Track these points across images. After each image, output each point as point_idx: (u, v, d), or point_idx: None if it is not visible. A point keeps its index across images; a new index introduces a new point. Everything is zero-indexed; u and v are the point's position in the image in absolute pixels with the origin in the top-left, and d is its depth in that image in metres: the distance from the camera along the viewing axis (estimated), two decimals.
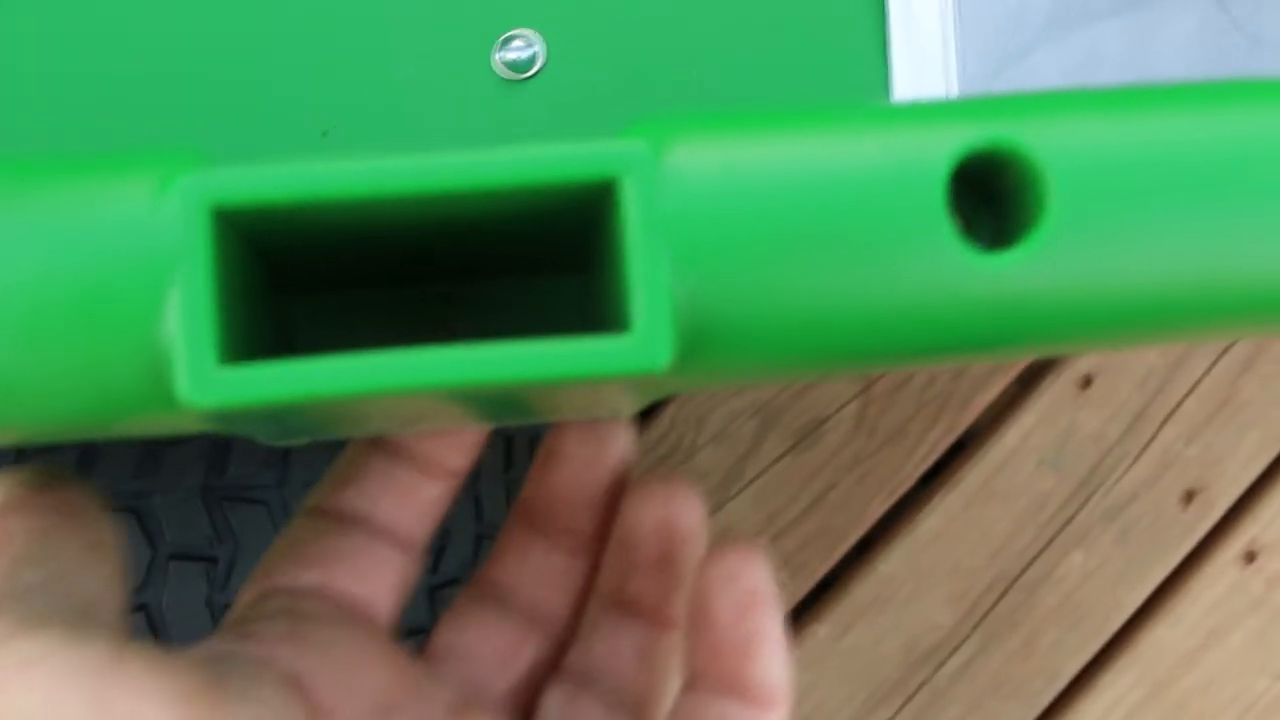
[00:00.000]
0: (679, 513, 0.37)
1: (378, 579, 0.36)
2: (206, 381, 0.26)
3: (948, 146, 0.26)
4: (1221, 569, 1.06)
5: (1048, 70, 0.60)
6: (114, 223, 0.27)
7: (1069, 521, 1.06)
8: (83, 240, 0.27)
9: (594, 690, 0.38)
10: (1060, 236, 0.26)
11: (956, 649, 1.05)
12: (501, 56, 0.58)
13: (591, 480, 0.39)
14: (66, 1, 0.55)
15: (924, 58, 0.58)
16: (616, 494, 0.39)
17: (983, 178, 0.27)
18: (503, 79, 0.58)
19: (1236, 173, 0.27)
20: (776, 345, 0.26)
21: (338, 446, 0.40)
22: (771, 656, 0.34)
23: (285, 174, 0.26)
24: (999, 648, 1.05)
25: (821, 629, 1.07)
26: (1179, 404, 1.07)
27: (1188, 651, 1.05)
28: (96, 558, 0.31)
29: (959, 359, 0.27)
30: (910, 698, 1.06)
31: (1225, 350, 1.07)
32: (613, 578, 0.38)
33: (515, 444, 0.75)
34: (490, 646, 0.38)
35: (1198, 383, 1.07)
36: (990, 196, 0.28)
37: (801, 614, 1.11)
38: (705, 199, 0.26)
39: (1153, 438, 1.07)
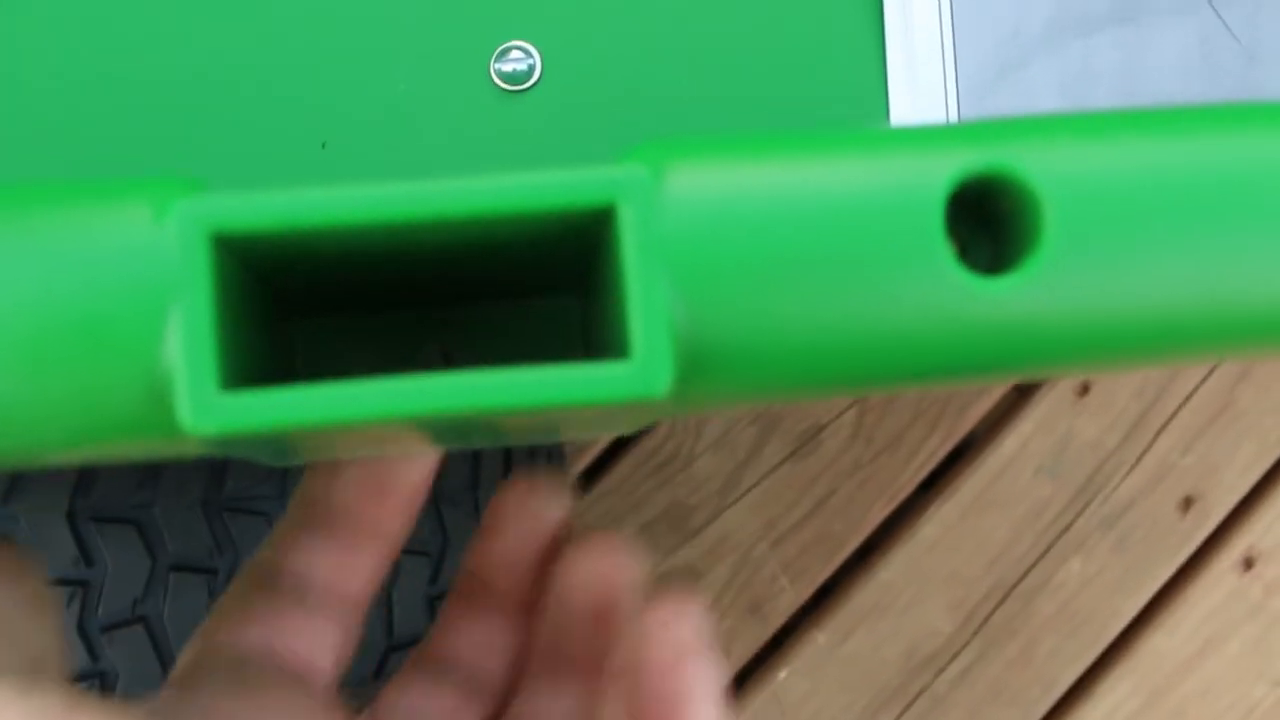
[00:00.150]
0: (615, 569, 0.37)
1: (319, 639, 0.36)
2: (208, 408, 0.26)
3: (945, 171, 0.26)
4: (1219, 576, 1.06)
5: (1044, 82, 0.60)
6: (114, 249, 0.27)
7: (1067, 529, 1.06)
8: (83, 266, 0.27)
9: None
10: (1057, 261, 0.26)
11: (955, 656, 1.05)
12: (499, 68, 0.58)
13: (530, 546, 0.39)
14: (70, 12, 0.55)
15: (921, 69, 0.58)
16: (555, 555, 0.39)
17: (980, 201, 0.27)
18: (500, 90, 0.58)
19: (1231, 197, 0.27)
20: (776, 369, 0.26)
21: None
22: (703, 711, 0.33)
23: (284, 201, 0.26)
24: (998, 655, 1.05)
25: (821, 636, 1.07)
26: (1176, 412, 1.07)
27: (1186, 659, 1.05)
28: (39, 614, 0.31)
29: (956, 382, 0.28)
30: (910, 704, 1.06)
31: None
32: (551, 637, 0.38)
33: (514, 458, 0.75)
34: (433, 710, 0.38)
35: (1194, 391, 1.07)
36: (988, 219, 0.28)
37: (801, 621, 1.11)
38: (704, 224, 0.26)
39: (1150, 445, 1.07)
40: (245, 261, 0.29)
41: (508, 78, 0.59)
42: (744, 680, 1.07)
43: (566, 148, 0.58)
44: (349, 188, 0.27)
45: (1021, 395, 1.07)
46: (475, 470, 0.74)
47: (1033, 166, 0.26)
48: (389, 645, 0.72)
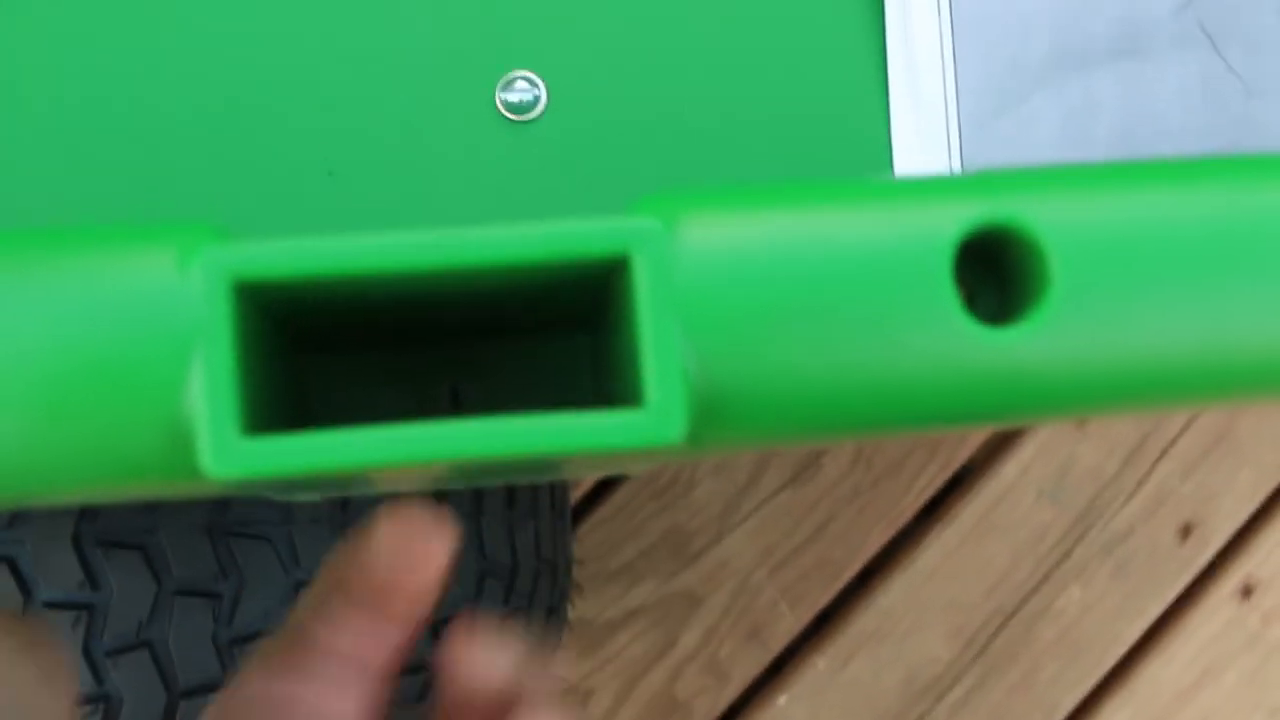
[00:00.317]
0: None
1: (344, 700, 0.37)
2: (229, 453, 0.26)
3: (953, 223, 0.26)
4: (1218, 604, 1.07)
5: (1045, 115, 0.60)
6: (137, 295, 0.27)
7: (1067, 555, 1.06)
8: (108, 311, 0.27)
9: None
10: (1063, 311, 0.27)
11: (956, 682, 1.06)
12: (504, 98, 0.58)
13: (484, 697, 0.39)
14: (77, 41, 0.56)
15: (923, 101, 0.59)
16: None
17: (987, 250, 0.28)
18: (505, 119, 0.59)
19: (1232, 248, 0.28)
20: (787, 416, 0.27)
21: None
22: None
23: (305, 249, 0.27)
24: (998, 681, 1.05)
25: (821, 661, 1.07)
26: (1175, 439, 1.07)
27: (1184, 687, 1.05)
28: (52, 685, 0.32)
29: (963, 427, 0.28)
30: None
31: None
32: None
33: (517, 485, 0.76)
34: None
35: (1194, 419, 1.07)
36: (994, 268, 0.29)
37: (801, 646, 1.11)
38: (716, 274, 0.27)
39: (1149, 472, 1.07)
40: (264, 305, 0.29)
41: (513, 108, 0.59)
42: (744, 706, 1.07)
43: (571, 178, 0.59)
44: (368, 236, 0.27)
45: None
46: (478, 499, 0.75)
47: (1039, 219, 0.27)
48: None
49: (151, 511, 0.69)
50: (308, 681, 0.37)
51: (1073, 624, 1.07)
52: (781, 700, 1.07)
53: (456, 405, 0.37)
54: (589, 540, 1.07)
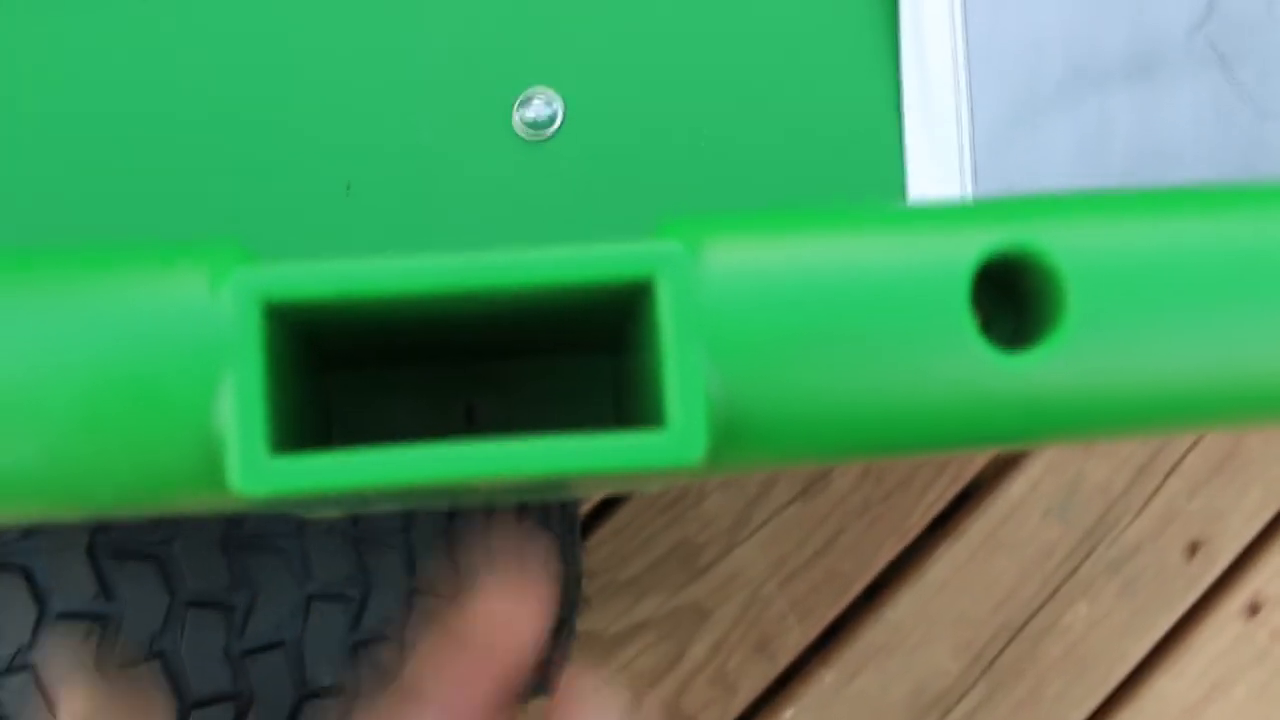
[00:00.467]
0: None
1: None
2: (259, 471, 0.27)
3: (971, 250, 0.27)
4: (1225, 621, 1.07)
5: (1059, 137, 0.61)
6: (168, 314, 0.28)
7: (1074, 572, 1.06)
8: (138, 330, 0.28)
9: None
10: (1079, 337, 0.27)
11: (963, 697, 1.06)
12: (522, 115, 0.59)
13: None
14: (94, 54, 0.56)
15: (937, 123, 0.59)
16: None
17: (1003, 276, 0.28)
18: (523, 137, 0.59)
19: (1248, 275, 0.28)
20: (805, 438, 0.27)
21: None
22: None
23: (335, 271, 0.27)
24: (1005, 697, 1.05)
25: (829, 675, 1.08)
26: (1183, 457, 1.08)
27: (1191, 704, 1.06)
28: None
29: (978, 450, 0.28)
30: None
31: None
32: None
33: (526, 506, 0.76)
34: None
35: (1202, 437, 1.08)
36: (1010, 294, 0.29)
37: (809, 659, 1.11)
38: (738, 298, 0.27)
39: (1157, 490, 1.07)
40: (292, 324, 0.30)
41: (530, 124, 0.59)
42: (751, 718, 1.07)
43: (588, 195, 0.59)
44: (397, 259, 0.28)
45: None
46: (490, 512, 0.75)
47: (1056, 246, 0.27)
48: None
49: (166, 523, 0.69)
50: None
51: (1079, 640, 1.07)
52: (789, 713, 1.08)
53: (472, 423, 0.38)
54: (598, 553, 1.08)
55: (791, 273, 0.27)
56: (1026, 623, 1.07)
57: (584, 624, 0.92)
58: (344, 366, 0.37)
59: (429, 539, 0.74)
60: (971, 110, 0.61)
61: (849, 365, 0.27)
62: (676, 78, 0.59)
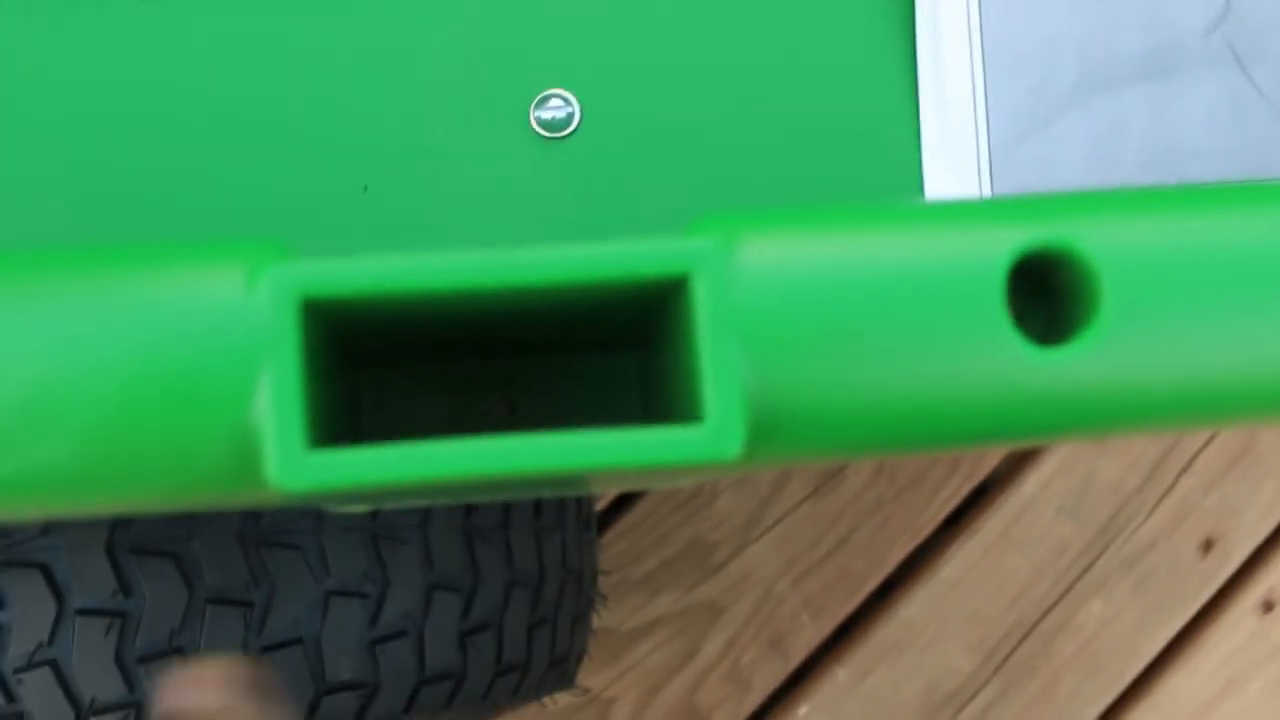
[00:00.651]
0: None
1: None
2: (296, 466, 0.27)
3: (1007, 246, 0.27)
4: (1239, 618, 1.07)
5: (1074, 137, 0.61)
6: (205, 311, 0.28)
7: (1087, 569, 1.06)
8: (174, 327, 0.28)
9: None
10: (1113, 332, 0.27)
11: (975, 695, 1.06)
12: (538, 115, 0.59)
13: None
14: (115, 56, 0.57)
15: (953, 123, 0.59)
16: None
17: (1036, 272, 0.28)
18: (540, 137, 0.59)
19: None
20: (841, 432, 0.27)
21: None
22: None
23: (372, 267, 0.27)
24: (1018, 694, 1.06)
25: (842, 672, 1.08)
26: (1197, 454, 1.08)
27: (1205, 701, 1.06)
28: None
29: (1011, 444, 0.29)
30: None
31: None
32: None
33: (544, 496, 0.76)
34: None
35: (1215, 434, 1.08)
36: (1043, 290, 0.29)
37: (822, 657, 1.12)
38: (772, 294, 0.27)
39: (1171, 487, 1.07)
40: (326, 321, 0.30)
41: (547, 125, 0.59)
42: (764, 715, 1.07)
43: (605, 195, 0.59)
44: (433, 255, 0.28)
45: None
46: (506, 509, 0.75)
47: (1091, 242, 0.27)
48: (420, 679, 0.73)
49: (185, 520, 0.70)
50: None
51: (1093, 638, 1.07)
52: (802, 710, 1.08)
53: (498, 419, 0.38)
54: (612, 550, 1.08)
55: (826, 268, 0.27)
56: (1040, 620, 1.07)
57: (599, 620, 0.92)
58: (372, 364, 0.37)
59: (446, 535, 0.75)
60: (987, 109, 0.61)
61: (884, 360, 0.27)
62: (692, 78, 0.60)
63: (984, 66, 0.61)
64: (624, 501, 1.08)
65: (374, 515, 0.70)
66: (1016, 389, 0.27)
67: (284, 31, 0.58)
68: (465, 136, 0.60)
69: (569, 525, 0.81)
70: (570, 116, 0.60)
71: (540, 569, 0.78)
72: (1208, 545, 1.08)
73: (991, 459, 1.09)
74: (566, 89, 0.60)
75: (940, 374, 0.27)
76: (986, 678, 1.07)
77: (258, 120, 0.58)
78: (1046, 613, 1.07)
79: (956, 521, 1.09)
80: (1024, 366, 0.27)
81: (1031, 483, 1.08)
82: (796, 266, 0.27)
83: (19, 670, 0.68)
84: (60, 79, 0.57)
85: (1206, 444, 1.09)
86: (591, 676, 1.04)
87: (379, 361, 0.37)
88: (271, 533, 0.71)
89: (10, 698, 0.69)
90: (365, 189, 0.59)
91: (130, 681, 0.69)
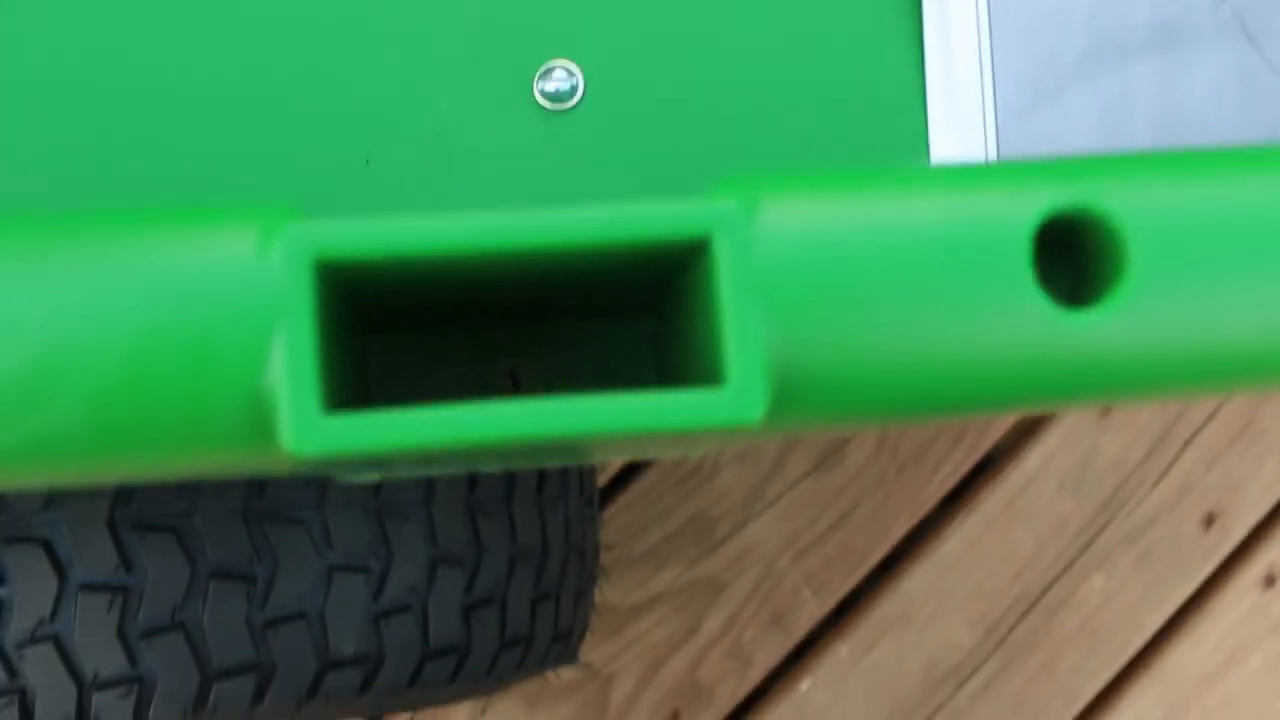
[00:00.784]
0: None
1: None
2: (310, 430, 0.26)
3: (1033, 207, 0.27)
4: (1241, 592, 1.07)
5: (1082, 108, 0.60)
6: (219, 272, 0.28)
7: (1089, 544, 1.06)
8: (189, 288, 0.27)
9: None
10: (1140, 295, 0.27)
11: (977, 669, 1.06)
12: (542, 87, 0.58)
13: None
14: (118, 27, 0.56)
15: (960, 92, 0.59)
16: None
17: (1061, 236, 0.28)
18: (543, 109, 0.59)
19: None
20: (865, 397, 0.27)
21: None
22: None
23: (387, 229, 0.27)
24: (1019, 669, 1.05)
25: (844, 647, 1.08)
26: (1199, 429, 1.08)
27: (1207, 674, 1.06)
28: None
29: (1038, 409, 0.28)
30: (930, 717, 1.06)
31: None
32: None
33: (547, 470, 0.76)
34: None
35: (1218, 408, 1.07)
36: (1068, 253, 0.29)
37: (824, 632, 1.11)
38: (796, 255, 0.27)
39: (1173, 462, 1.07)
40: (338, 284, 0.29)
41: (551, 96, 0.59)
42: (766, 691, 1.07)
43: (609, 166, 0.59)
44: (449, 217, 0.27)
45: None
46: (510, 483, 0.75)
47: (1119, 204, 0.27)
48: (424, 654, 0.72)
49: (187, 494, 0.69)
50: None
51: (1095, 612, 1.07)
52: (804, 685, 1.08)
53: (514, 386, 0.37)
54: (613, 525, 1.08)
55: (849, 229, 0.27)
56: (1042, 595, 1.07)
57: (601, 596, 0.92)
58: (380, 333, 0.37)
59: (449, 510, 0.74)
60: (994, 81, 0.61)
61: (908, 322, 0.27)
62: (695, 47, 0.59)
63: (991, 37, 0.61)
64: (626, 476, 1.08)
65: (377, 490, 0.70)
66: (1042, 352, 0.27)
67: (282, 5, 0.58)
68: (467, 109, 0.60)
69: (571, 499, 0.81)
70: (574, 88, 0.60)
71: (543, 543, 0.78)
72: (1210, 520, 1.08)
73: (993, 435, 1.09)
74: (570, 60, 0.60)
75: (966, 336, 0.27)
76: (988, 653, 1.07)
77: (257, 92, 0.58)
78: (1048, 588, 1.07)
79: (958, 497, 1.09)
80: (1050, 329, 0.27)
81: (1034, 458, 1.08)
82: (819, 228, 0.27)
83: (21, 645, 0.67)
84: (60, 53, 0.56)
85: (1209, 419, 1.09)
86: (593, 651, 1.03)
87: (387, 331, 0.37)
88: (274, 507, 0.71)
89: (12, 673, 0.68)
90: (367, 162, 0.59)
91: (133, 657, 0.69)
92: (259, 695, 0.70)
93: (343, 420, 0.27)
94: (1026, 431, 1.09)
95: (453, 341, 0.37)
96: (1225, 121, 0.61)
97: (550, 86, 0.60)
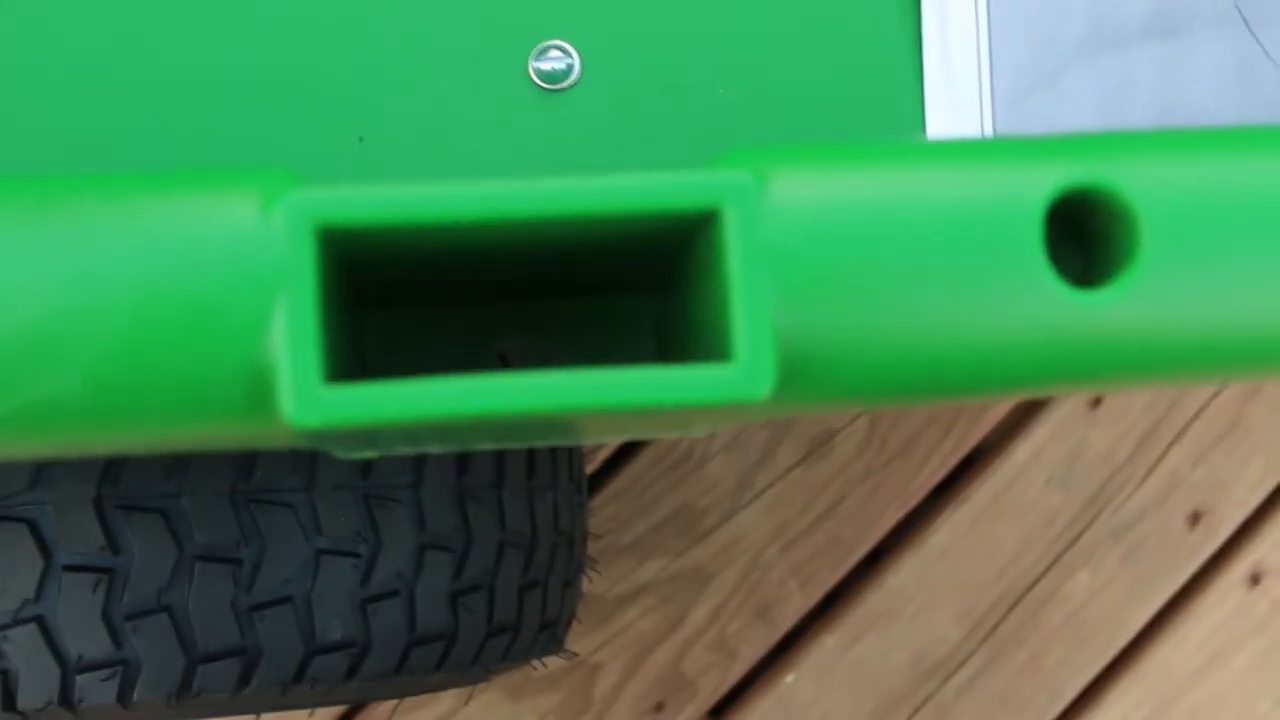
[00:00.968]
0: None
1: None
2: (311, 400, 0.26)
3: (1045, 185, 0.26)
4: (1226, 591, 1.07)
5: (1080, 93, 0.60)
6: (219, 238, 0.27)
7: (1076, 539, 1.06)
8: (189, 255, 0.27)
9: None
10: (1152, 275, 0.27)
11: (963, 663, 1.06)
12: (538, 66, 0.58)
13: None
14: (117, 3, 0.56)
15: (957, 76, 0.59)
16: None
17: (1073, 215, 0.28)
18: (539, 88, 0.58)
19: None
20: (873, 375, 0.27)
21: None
22: None
23: (390, 196, 0.27)
24: (1005, 663, 1.05)
25: (830, 640, 1.07)
26: (1187, 426, 1.08)
27: (1191, 672, 1.06)
28: None
29: (1047, 391, 0.28)
30: (917, 710, 1.06)
31: None
32: None
33: (537, 456, 0.76)
34: None
35: (1205, 406, 1.07)
36: (1076, 230, 0.29)
37: (810, 625, 1.11)
38: (806, 230, 0.27)
39: (1160, 458, 1.07)
40: (339, 254, 0.29)
41: (546, 76, 0.59)
42: (751, 683, 1.07)
43: (604, 146, 0.59)
44: (453, 185, 0.27)
45: (1034, 404, 1.08)
46: (499, 469, 0.74)
47: (1131, 183, 0.27)
48: (411, 640, 0.72)
49: (174, 475, 0.69)
50: None
51: (1081, 608, 1.07)
52: (789, 678, 1.08)
53: (511, 363, 0.37)
54: (601, 514, 1.07)
55: (860, 205, 0.27)
56: (1028, 590, 1.07)
57: (587, 585, 0.92)
58: (379, 306, 0.36)
59: (438, 495, 0.74)
60: (991, 65, 0.60)
61: (918, 299, 0.26)
62: (691, 27, 0.59)
63: (989, 21, 0.61)
64: (613, 465, 1.08)
65: (366, 474, 0.70)
66: (1052, 331, 0.27)
67: None
68: (462, 88, 0.59)
69: (561, 487, 0.81)
70: (570, 68, 0.59)
71: (532, 530, 0.77)
72: (1196, 518, 1.08)
73: (981, 428, 1.08)
74: (566, 40, 0.60)
75: (975, 315, 0.26)
76: (974, 647, 1.07)
77: (249, 70, 0.57)
78: (1035, 582, 1.07)
79: (946, 490, 1.09)
80: (1060, 308, 0.26)
81: (1022, 451, 1.08)
82: (829, 202, 0.27)
83: (4, 626, 0.67)
84: (56, 30, 0.56)
85: (1196, 416, 1.09)
86: (578, 642, 1.03)
87: (385, 305, 0.36)
88: (262, 490, 0.70)
89: None
90: (360, 140, 0.59)
91: (118, 639, 0.69)
92: (244, 679, 0.69)
93: (344, 391, 0.26)
94: (1016, 425, 1.09)
95: (449, 319, 0.37)
96: (1224, 109, 0.61)
97: (546, 66, 0.59)
